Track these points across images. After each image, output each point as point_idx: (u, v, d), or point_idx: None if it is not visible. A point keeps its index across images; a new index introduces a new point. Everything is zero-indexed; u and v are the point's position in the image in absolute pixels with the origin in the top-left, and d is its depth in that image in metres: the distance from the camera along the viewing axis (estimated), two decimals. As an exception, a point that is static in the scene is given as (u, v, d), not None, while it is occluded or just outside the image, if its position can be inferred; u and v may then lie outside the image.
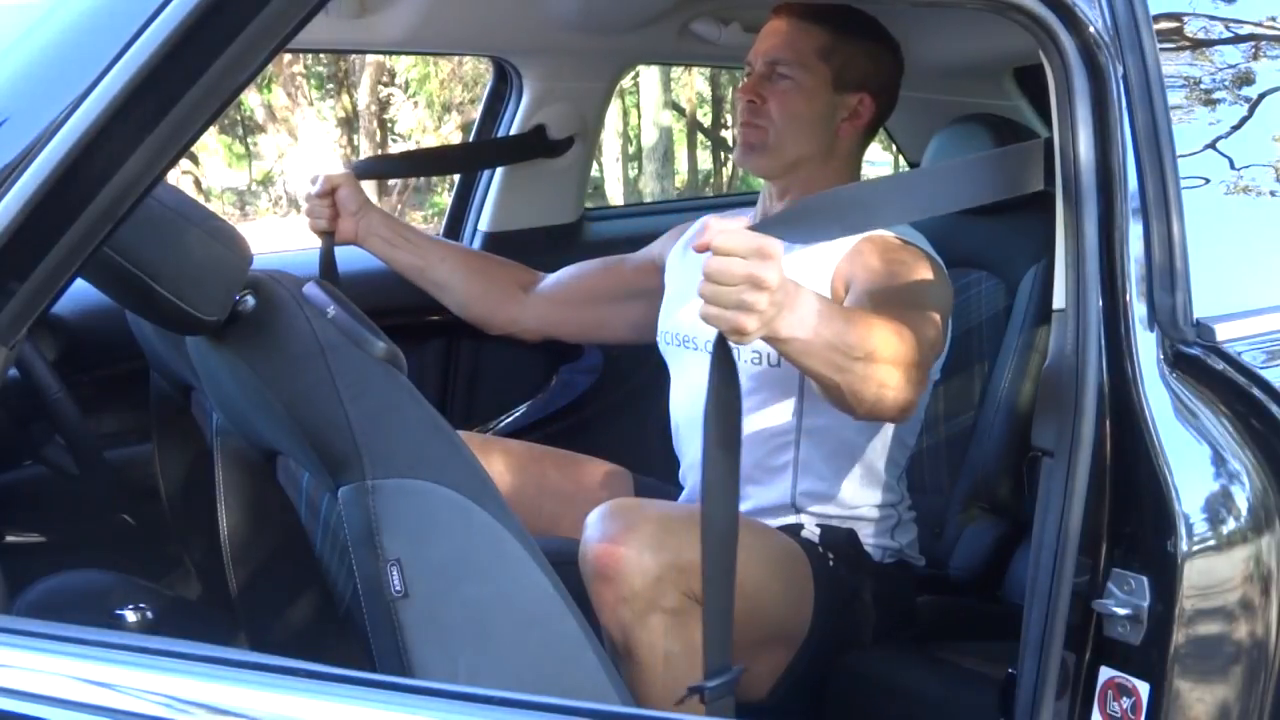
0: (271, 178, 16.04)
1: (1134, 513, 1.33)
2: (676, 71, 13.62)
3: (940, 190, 1.50)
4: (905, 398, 1.54)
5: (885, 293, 1.67)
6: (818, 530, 1.82)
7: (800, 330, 1.38)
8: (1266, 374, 1.37)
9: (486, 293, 2.18)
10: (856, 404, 1.52)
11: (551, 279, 2.20)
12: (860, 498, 1.85)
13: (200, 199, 10.17)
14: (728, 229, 1.32)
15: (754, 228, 1.34)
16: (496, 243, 2.60)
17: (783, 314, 1.34)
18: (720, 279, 1.30)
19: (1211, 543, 1.32)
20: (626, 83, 11.65)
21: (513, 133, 2.62)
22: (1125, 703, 1.31)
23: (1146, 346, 1.34)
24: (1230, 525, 1.34)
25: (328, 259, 2.12)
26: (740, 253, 1.29)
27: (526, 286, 2.20)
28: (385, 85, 13.12)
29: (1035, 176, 1.45)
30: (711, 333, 1.88)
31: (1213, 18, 1.57)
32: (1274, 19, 1.62)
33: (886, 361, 1.50)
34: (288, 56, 10.40)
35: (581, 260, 2.24)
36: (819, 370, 1.45)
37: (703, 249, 1.32)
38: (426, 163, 3.27)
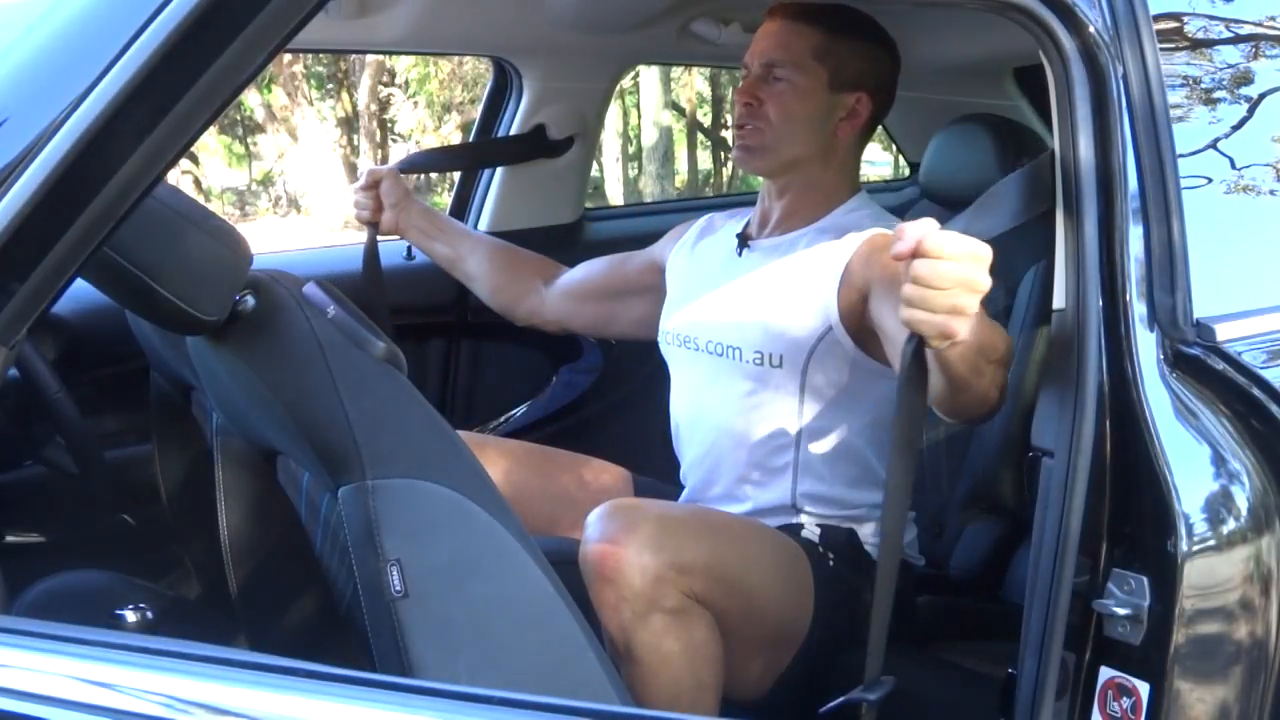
0: (271, 178, 16.05)
1: (1134, 513, 1.33)
2: (676, 71, 13.62)
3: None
4: (997, 400, 1.47)
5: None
6: (818, 530, 1.82)
7: (968, 333, 1.32)
8: (1266, 374, 1.37)
9: (511, 285, 2.26)
10: (978, 406, 1.44)
11: (568, 274, 2.25)
12: (860, 497, 1.85)
13: (200, 199, 10.17)
14: (935, 230, 1.26)
15: (946, 227, 1.29)
16: (496, 243, 2.60)
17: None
18: (932, 283, 1.25)
19: (1211, 543, 1.32)
20: (626, 83, 11.65)
21: (513, 133, 2.63)
22: (1125, 703, 1.31)
23: (1146, 346, 1.34)
24: (1230, 525, 1.34)
25: (371, 248, 2.27)
26: (954, 256, 1.25)
27: (548, 280, 2.25)
28: (385, 85, 13.13)
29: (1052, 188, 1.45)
30: (711, 334, 1.89)
31: (1213, 18, 1.57)
32: (1274, 19, 1.62)
33: (1002, 363, 1.43)
34: (288, 56, 10.40)
35: (582, 260, 2.24)
36: (963, 373, 1.37)
37: (907, 256, 1.26)
38: (466, 157, 3.13)
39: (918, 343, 1.31)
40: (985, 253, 1.26)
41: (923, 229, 1.26)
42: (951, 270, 1.25)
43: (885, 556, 1.40)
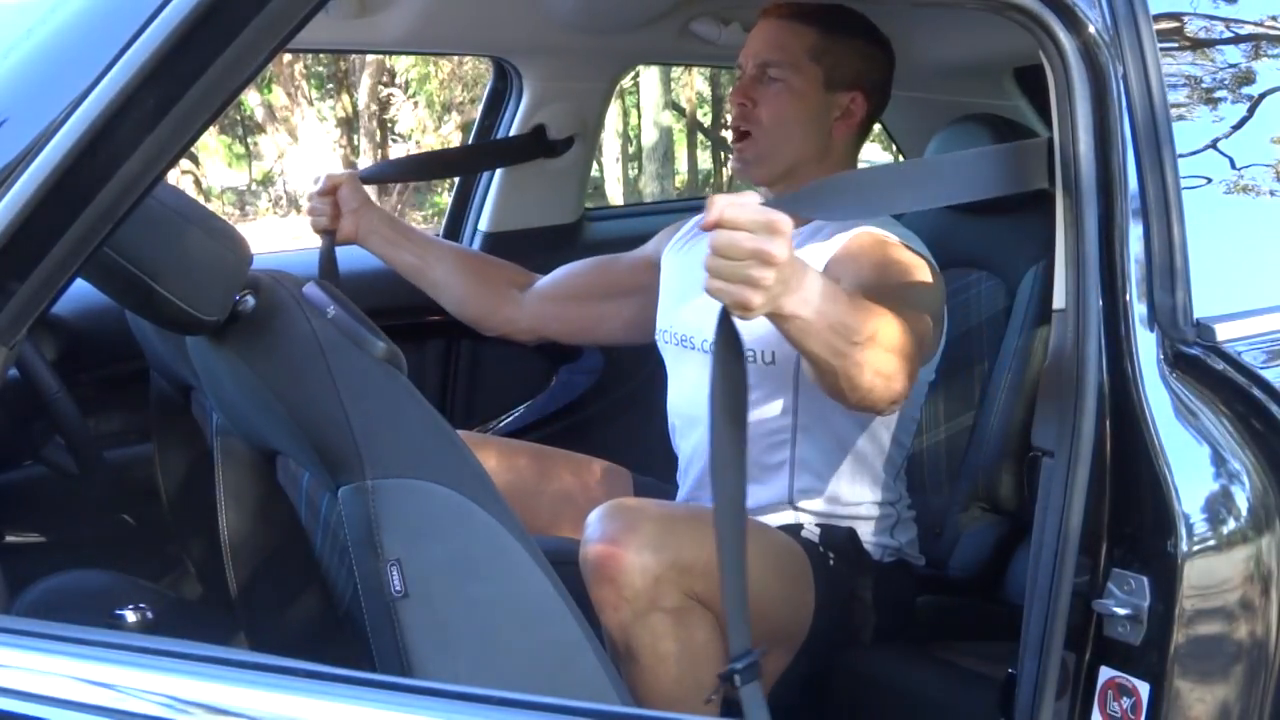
0: (271, 178, 16.04)
1: (1134, 513, 1.33)
2: (676, 71, 13.61)
3: (951, 180, 1.49)
4: (898, 389, 1.52)
5: (876, 288, 1.67)
6: (818, 530, 1.82)
7: (804, 309, 1.36)
8: (1266, 374, 1.37)
9: (482, 293, 2.16)
10: (850, 390, 1.49)
11: (546, 279, 2.19)
12: (858, 495, 1.85)
13: (200, 199, 10.17)
14: (736, 202, 1.30)
15: (765, 204, 1.32)
16: (496, 243, 2.60)
17: (789, 291, 1.33)
18: (727, 253, 1.28)
19: (1211, 543, 1.32)
20: (626, 83, 11.64)
21: (513, 133, 2.63)
22: (1125, 703, 1.31)
23: (1146, 346, 1.34)
24: (1230, 525, 1.34)
25: (328, 258, 2.11)
26: (749, 227, 1.27)
27: (522, 286, 2.18)
28: (385, 85, 13.12)
29: (1039, 173, 1.44)
30: (706, 332, 1.88)
31: (1213, 17, 1.57)
32: (1274, 18, 1.62)
33: (885, 349, 1.48)
34: (288, 56, 10.40)
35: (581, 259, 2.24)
36: (818, 352, 1.43)
37: (711, 226, 1.29)
38: (429, 166, 3.26)
39: (722, 311, 1.32)
40: (783, 226, 1.28)
41: (728, 200, 1.30)
42: (745, 241, 1.27)
43: (725, 528, 1.30)
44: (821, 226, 1.85)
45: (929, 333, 1.68)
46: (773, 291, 1.30)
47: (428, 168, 3.27)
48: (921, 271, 1.75)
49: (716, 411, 1.29)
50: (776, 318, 1.37)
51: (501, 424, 2.65)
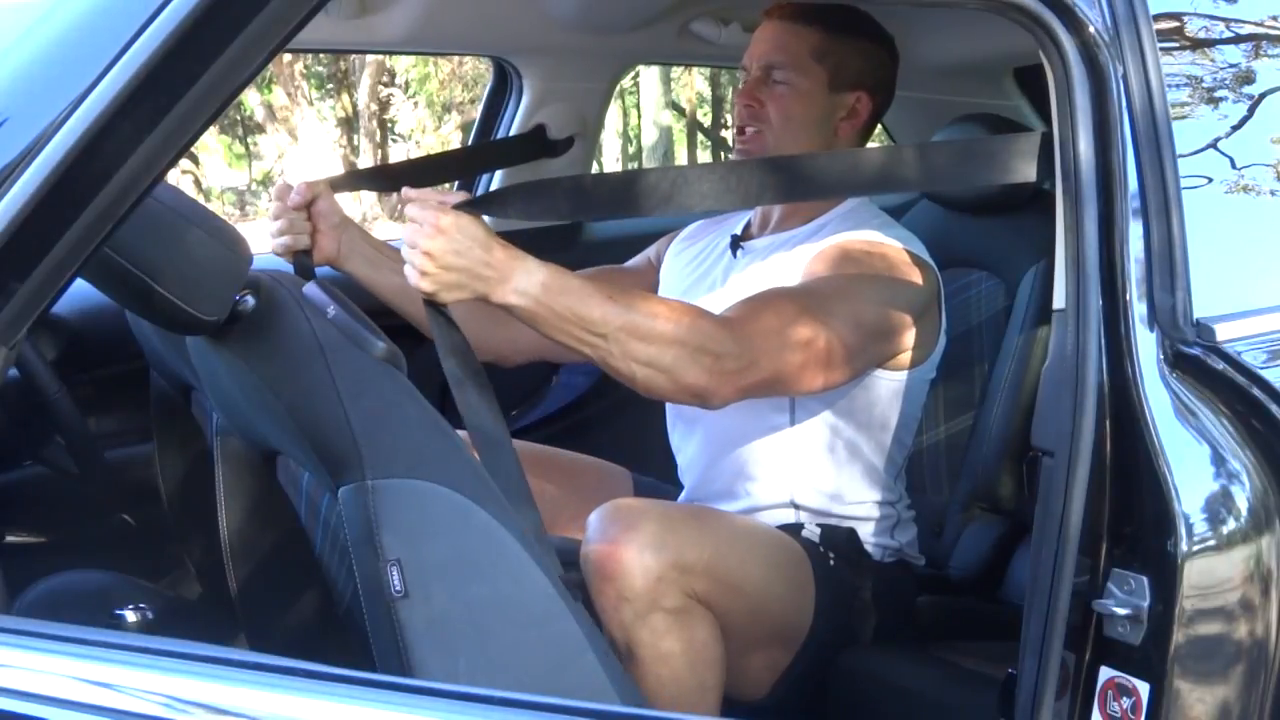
0: (271, 178, 16.04)
1: (1134, 513, 1.33)
2: (676, 71, 13.63)
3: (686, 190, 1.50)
4: (691, 381, 1.54)
5: (817, 286, 1.71)
6: (818, 530, 1.82)
7: (520, 300, 1.49)
8: (1266, 374, 1.37)
9: (478, 315, 1.81)
10: (614, 375, 1.57)
11: None
12: (859, 495, 1.85)
13: (200, 199, 10.17)
14: (418, 198, 1.50)
15: (456, 205, 1.49)
16: (496, 243, 2.59)
17: (495, 284, 1.48)
18: (405, 241, 1.48)
19: (1211, 543, 1.32)
20: (626, 83, 11.65)
21: (513, 133, 2.62)
22: (1125, 703, 1.31)
23: (1146, 346, 1.34)
24: (1230, 525, 1.33)
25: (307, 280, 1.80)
26: (418, 220, 1.46)
27: None
28: (385, 85, 13.13)
29: (1007, 166, 1.46)
30: None
31: (1213, 17, 1.57)
32: (1274, 18, 1.62)
33: (652, 342, 1.52)
34: (288, 56, 10.40)
35: (581, 260, 2.21)
36: (562, 341, 1.54)
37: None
38: (427, 171, 3.12)
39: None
40: (442, 224, 1.45)
41: (415, 194, 1.51)
42: (408, 233, 1.47)
43: (512, 500, 1.33)
44: (821, 226, 1.85)
45: (877, 327, 1.72)
46: (446, 279, 1.46)
47: (425, 173, 3.09)
48: (897, 271, 1.76)
49: (450, 378, 1.44)
50: (499, 307, 1.50)
51: (501, 424, 2.64)
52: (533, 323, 1.53)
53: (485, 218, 1.54)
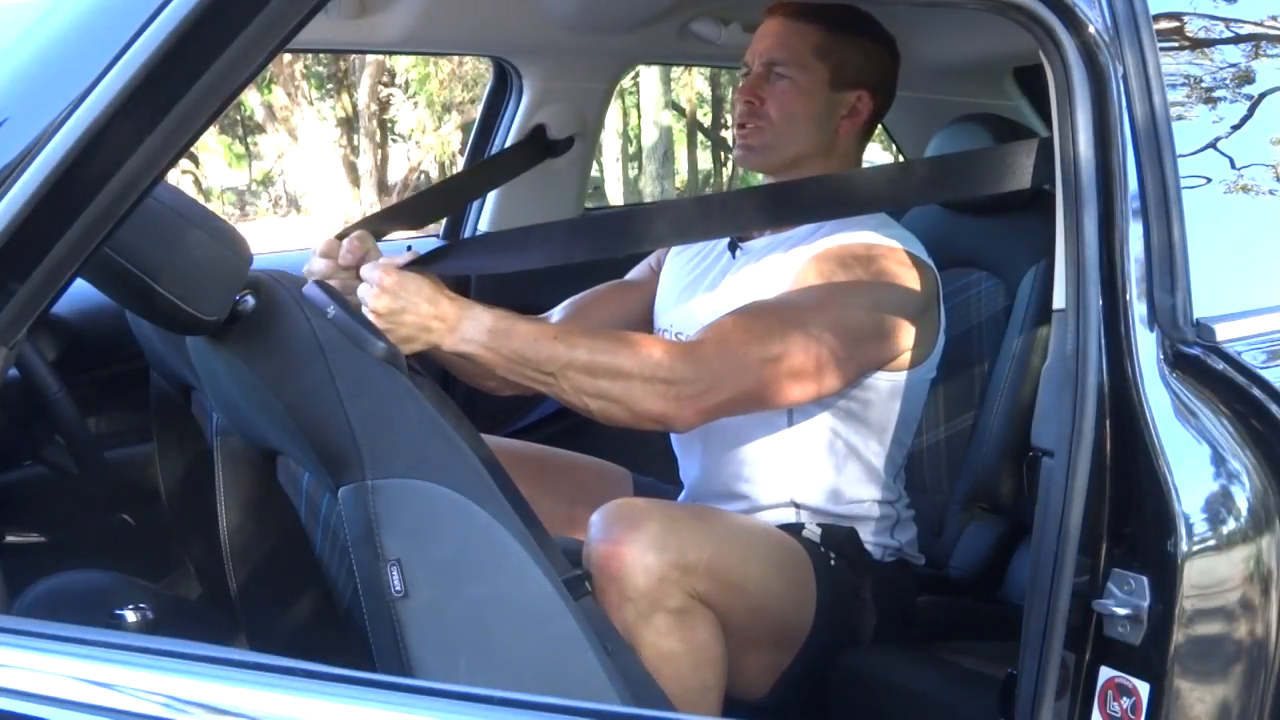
0: (271, 178, 16.05)
1: (1134, 513, 1.33)
2: (676, 71, 13.62)
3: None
4: (647, 409, 1.60)
5: (798, 296, 1.72)
6: (818, 530, 1.82)
7: (468, 347, 1.56)
8: (1266, 374, 1.37)
9: None
10: (572, 409, 1.63)
11: (556, 316, 2.01)
12: (859, 495, 1.85)
13: (200, 199, 10.17)
14: (373, 263, 1.58)
15: (404, 265, 1.57)
16: (496, 243, 2.59)
17: (445, 334, 1.55)
18: (361, 300, 1.55)
19: (1211, 543, 1.32)
20: (626, 83, 11.65)
21: (512, 133, 2.62)
22: (1125, 703, 1.31)
23: (1146, 346, 1.34)
24: (1230, 525, 1.33)
25: None
26: (369, 281, 1.55)
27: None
28: (385, 85, 13.12)
29: (1007, 175, 1.47)
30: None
31: (1213, 17, 1.57)
32: (1274, 18, 1.62)
33: (600, 376, 1.58)
34: (288, 56, 10.40)
35: (583, 275, 2.15)
36: (513, 379, 1.62)
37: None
38: (435, 204, 2.64)
39: None
40: (385, 284, 1.53)
41: (372, 263, 1.59)
42: (361, 293, 1.56)
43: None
44: (819, 227, 1.85)
45: (865, 332, 1.73)
46: (398, 334, 1.51)
47: (433, 206, 2.63)
48: (893, 272, 1.76)
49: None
50: (451, 353, 1.58)
51: (501, 424, 2.65)
52: (486, 366, 1.59)
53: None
